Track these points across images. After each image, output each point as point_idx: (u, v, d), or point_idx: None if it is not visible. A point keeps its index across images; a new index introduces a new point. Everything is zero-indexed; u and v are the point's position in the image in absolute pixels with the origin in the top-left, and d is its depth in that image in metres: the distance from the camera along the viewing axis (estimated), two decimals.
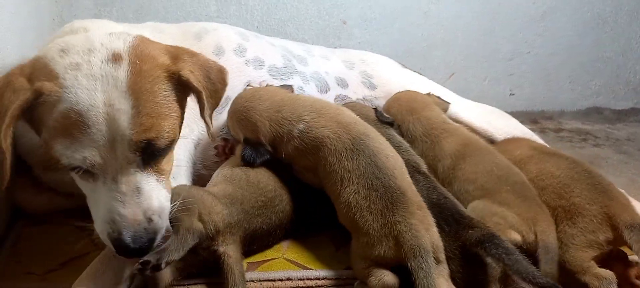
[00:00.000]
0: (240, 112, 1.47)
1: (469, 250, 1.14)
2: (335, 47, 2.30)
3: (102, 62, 1.06)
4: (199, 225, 1.16)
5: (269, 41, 1.91)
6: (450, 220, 1.19)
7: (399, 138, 1.51)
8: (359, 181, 1.22)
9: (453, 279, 1.13)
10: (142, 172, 1.09)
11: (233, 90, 1.56)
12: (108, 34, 1.13)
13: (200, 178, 1.56)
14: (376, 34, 2.67)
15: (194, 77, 1.15)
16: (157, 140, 1.08)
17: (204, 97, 1.16)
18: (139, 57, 1.09)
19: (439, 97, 1.77)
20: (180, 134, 1.20)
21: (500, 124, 1.90)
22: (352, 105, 1.63)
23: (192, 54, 1.22)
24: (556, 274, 1.16)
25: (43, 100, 1.03)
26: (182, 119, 1.20)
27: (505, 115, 2.02)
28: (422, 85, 1.92)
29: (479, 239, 1.13)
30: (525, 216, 1.24)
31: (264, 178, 1.39)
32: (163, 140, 1.09)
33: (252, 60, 1.77)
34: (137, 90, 1.05)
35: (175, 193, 1.18)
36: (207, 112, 1.19)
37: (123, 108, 1.03)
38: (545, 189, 1.36)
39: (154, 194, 1.10)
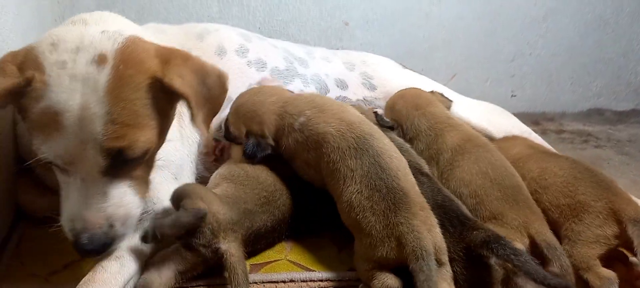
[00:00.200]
0: (247, 105, 1.48)
1: (474, 251, 1.14)
2: (337, 49, 2.30)
3: (86, 63, 1.04)
4: (199, 204, 1.17)
5: (271, 43, 1.91)
6: (455, 222, 1.19)
7: (400, 140, 1.51)
8: (362, 181, 1.22)
9: (456, 281, 1.12)
10: (113, 177, 1.09)
11: (234, 91, 1.55)
12: (101, 32, 1.10)
13: (201, 180, 1.54)
14: (378, 35, 2.67)
15: (181, 82, 1.09)
16: (128, 149, 1.06)
17: (193, 103, 1.11)
18: (125, 61, 1.07)
19: (442, 95, 1.78)
20: (184, 135, 1.19)
21: (500, 122, 1.91)
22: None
23: (186, 58, 1.16)
24: (570, 267, 1.16)
25: (31, 90, 1.03)
26: (167, 125, 1.19)
27: (506, 113, 2.02)
28: (423, 85, 1.91)
29: (485, 240, 1.12)
30: (515, 224, 1.23)
31: (262, 174, 1.40)
32: (136, 149, 1.07)
33: (254, 62, 1.77)
34: (115, 97, 1.04)
35: (179, 191, 1.18)
36: (199, 118, 1.13)
37: (98, 113, 1.02)
38: (549, 188, 1.35)
39: (124, 201, 1.10)
